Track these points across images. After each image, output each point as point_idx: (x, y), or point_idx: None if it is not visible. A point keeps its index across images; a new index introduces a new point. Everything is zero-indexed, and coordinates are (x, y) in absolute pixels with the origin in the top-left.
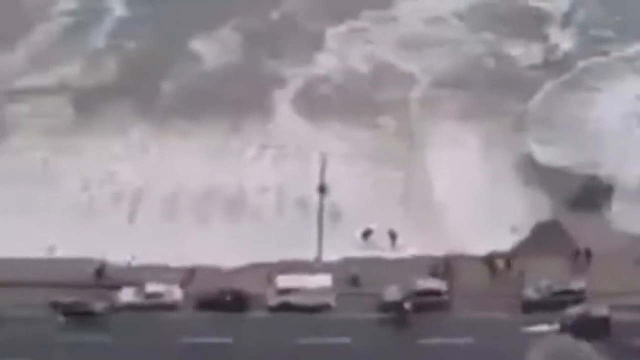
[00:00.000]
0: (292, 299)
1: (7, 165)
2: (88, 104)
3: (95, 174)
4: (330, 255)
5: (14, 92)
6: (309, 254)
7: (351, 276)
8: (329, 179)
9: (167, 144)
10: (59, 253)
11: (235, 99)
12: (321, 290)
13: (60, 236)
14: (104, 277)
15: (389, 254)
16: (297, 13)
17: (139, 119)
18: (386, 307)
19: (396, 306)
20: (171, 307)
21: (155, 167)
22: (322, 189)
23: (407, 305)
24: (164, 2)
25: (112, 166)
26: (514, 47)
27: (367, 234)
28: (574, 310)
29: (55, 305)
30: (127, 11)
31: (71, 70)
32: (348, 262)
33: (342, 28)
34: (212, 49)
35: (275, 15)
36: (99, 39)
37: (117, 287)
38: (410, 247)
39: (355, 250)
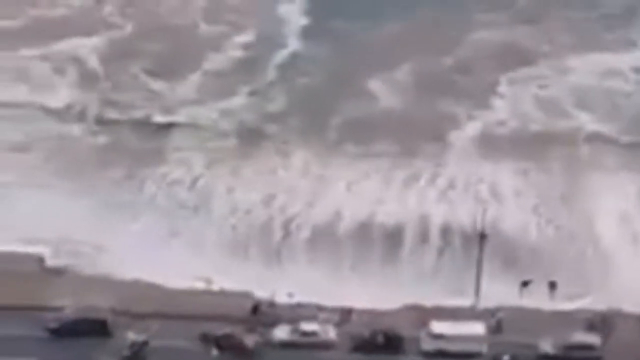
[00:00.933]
0: (445, 345)
1: (166, 193)
2: (252, 135)
3: (252, 203)
4: (488, 300)
5: (179, 120)
6: (467, 299)
7: (498, 324)
8: (497, 218)
9: (329, 174)
10: (215, 284)
11: (405, 136)
12: (474, 338)
13: (214, 267)
14: (259, 313)
15: (547, 305)
16: (471, 58)
17: (302, 150)
18: None
19: None
20: (325, 346)
21: (315, 196)
22: (483, 236)
23: None
24: (339, 42)
25: (270, 194)
26: None
27: (526, 283)
28: None
29: (205, 338)
30: (302, 48)
31: (238, 101)
32: (503, 310)
33: (516, 75)
34: (386, 90)
35: (449, 60)
36: (270, 71)
37: (272, 323)
38: (568, 299)
39: (514, 297)
